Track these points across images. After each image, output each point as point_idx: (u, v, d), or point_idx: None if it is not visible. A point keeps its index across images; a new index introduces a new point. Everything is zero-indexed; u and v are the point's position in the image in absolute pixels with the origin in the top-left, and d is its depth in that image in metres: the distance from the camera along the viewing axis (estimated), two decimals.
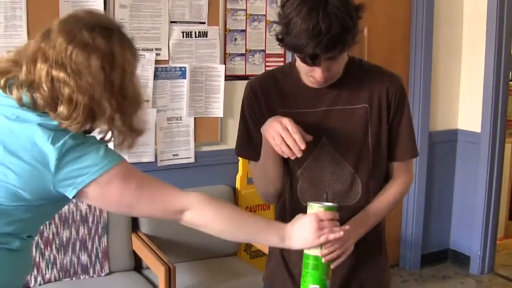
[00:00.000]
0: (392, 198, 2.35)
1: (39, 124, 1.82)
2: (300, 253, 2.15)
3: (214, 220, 2.04)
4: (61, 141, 1.81)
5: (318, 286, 2.01)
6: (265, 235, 2.08)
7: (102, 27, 1.90)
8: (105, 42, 1.87)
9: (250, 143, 2.35)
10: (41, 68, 1.84)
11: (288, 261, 2.42)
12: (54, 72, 1.83)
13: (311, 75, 2.16)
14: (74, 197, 1.88)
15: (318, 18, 1.96)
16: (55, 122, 1.84)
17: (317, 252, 2.01)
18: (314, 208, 2.04)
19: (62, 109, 1.83)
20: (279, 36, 2.07)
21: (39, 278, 3.82)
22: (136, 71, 1.99)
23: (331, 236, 2.00)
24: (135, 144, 2.04)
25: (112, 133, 2.01)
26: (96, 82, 1.84)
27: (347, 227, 2.10)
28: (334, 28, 1.96)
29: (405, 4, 5.27)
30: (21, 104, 1.85)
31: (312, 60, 2.05)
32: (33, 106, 1.85)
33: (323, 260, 2.02)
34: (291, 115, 2.15)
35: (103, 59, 1.86)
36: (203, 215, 2.03)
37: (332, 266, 2.08)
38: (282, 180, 2.33)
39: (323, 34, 1.96)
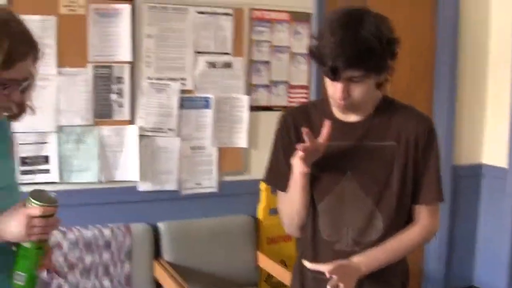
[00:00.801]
0: (411, 241, 2.34)
1: None
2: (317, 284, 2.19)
3: None
4: None
5: (25, 274, 1.97)
6: None
7: None
8: None
9: (279, 173, 2.38)
10: None
11: None
12: None
13: (332, 96, 2.19)
14: None
15: (347, 34, 2.02)
16: None
17: (27, 244, 1.97)
18: (30, 203, 1.94)
19: None
20: (310, 48, 2.14)
21: None
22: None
23: None
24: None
25: None
26: None
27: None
28: (359, 46, 2.01)
29: (429, 36, 5.26)
30: None
31: (332, 74, 2.08)
32: None
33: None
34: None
35: None
36: None
37: None
38: (307, 212, 2.34)
39: (346, 49, 2.01)
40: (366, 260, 2.25)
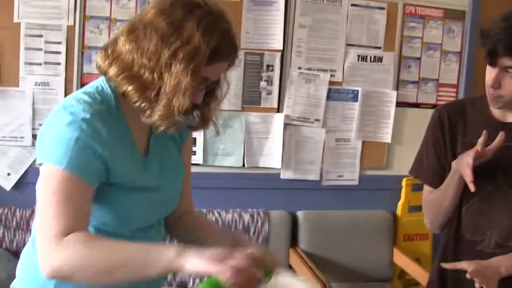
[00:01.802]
0: None
1: None
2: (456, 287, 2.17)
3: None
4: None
5: None
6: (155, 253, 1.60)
7: (193, 2, 1.73)
8: (182, 13, 1.71)
9: (427, 166, 2.38)
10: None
11: None
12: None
13: (486, 84, 2.17)
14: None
15: None
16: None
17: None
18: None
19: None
20: (481, 29, 2.15)
21: (197, 280, 3.96)
22: (203, 60, 1.72)
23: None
24: (157, 122, 1.76)
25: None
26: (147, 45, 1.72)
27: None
28: None
29: None
30: None
31: (490, 57, 2.08)
32: None
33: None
34: (472, 145, 2.15)
35: (169, 26, 1.70)
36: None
37: None
38: (454, 211, 2.33)
39: (509, 35, 2.01)
40: (507, 261, 2.21)
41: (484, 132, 2.14)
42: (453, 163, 2.20)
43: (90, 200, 1.71)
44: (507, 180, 2.23)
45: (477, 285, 2.13)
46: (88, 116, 1.70)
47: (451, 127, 2.30)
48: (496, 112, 2.27)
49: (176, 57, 1.69)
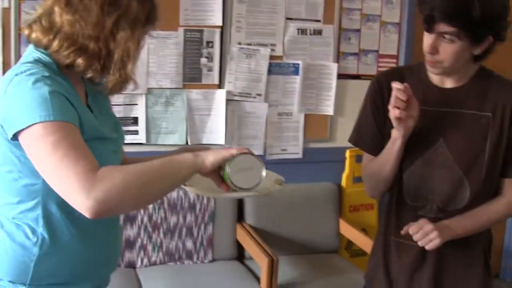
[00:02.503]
0: (496, 214, 2.31)
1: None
2: (399, 253, 2.19)
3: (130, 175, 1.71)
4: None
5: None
6: (180, 161, 1.81)
7: None
8: None
9: (366, 134, 2.39)
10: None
11: (388, 261, 2.42)
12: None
13: (424, 50, 2.19)
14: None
15: None
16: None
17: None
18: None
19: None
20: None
21: (145, 260, 3.97)
22: (141, 26, 1.84)
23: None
24: (113, 89, 1.88)
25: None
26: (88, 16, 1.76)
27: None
28: (459, 3, 2.03)
29: None
30: None
31: (426, 23, 2.11)
32: None
33: None
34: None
35: None
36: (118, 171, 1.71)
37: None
38: (394, 178, 2.33)
39: (446, 1, 2.04)
40: (451, 225, 2.23)
41: (405, 84, 2.15)
42: (393, 131, 2.21)
43: (82, 138, 1.72)
44: (447, 144, 2.25)
45: (412, 228, 2.19)
46: (47, 74, 1.72)
47: (390, 94, 2.31)
48: (434, 78, 2.29)
49: (119, 26, 1.78)
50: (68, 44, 1.76)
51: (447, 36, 2.10)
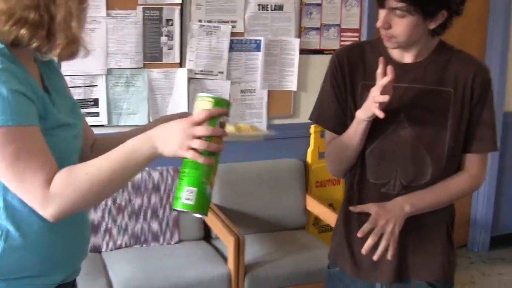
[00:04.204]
0: (458, 188, 2.31)
1: None
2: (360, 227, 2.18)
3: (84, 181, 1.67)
4: None
5: (195, 189, 1.67)
6: (137, 156, 1.70)
7: None
8: None
9: (329, 112, 2.35)
10: None
11: (351, 239, 2.40)
12: None
13: (378, 26, 2.18)
14: None
15: None
16: None
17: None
18: (200, 102, 1.70)
19: None
20: None
21: (110, 244, 3.92)
22: None
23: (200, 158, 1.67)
24: (62, 53, 1.78)
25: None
26: None
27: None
28: None
29: None
30: None
31: None
32: None
33: (202, 160, 1.66)
34: (371, 87, 2.13)
35: None
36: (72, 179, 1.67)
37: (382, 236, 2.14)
38: (357, 157, 2.31)
39: None
40: (411, 200, 2.23)
41: (381, 59, 2.13)
42: (358, 112, 2.18)
43: (43, 138, 1.69)
44: (409, 120, 2.23)
45: (369, 240, 2.16)
46: (0, 66, 1.65)
47: (351, 70, 2.29)
48: (394, 53, 2.27)
49: None
50: (6, 19, 1.68)
51: (398, 11, 2.09)
